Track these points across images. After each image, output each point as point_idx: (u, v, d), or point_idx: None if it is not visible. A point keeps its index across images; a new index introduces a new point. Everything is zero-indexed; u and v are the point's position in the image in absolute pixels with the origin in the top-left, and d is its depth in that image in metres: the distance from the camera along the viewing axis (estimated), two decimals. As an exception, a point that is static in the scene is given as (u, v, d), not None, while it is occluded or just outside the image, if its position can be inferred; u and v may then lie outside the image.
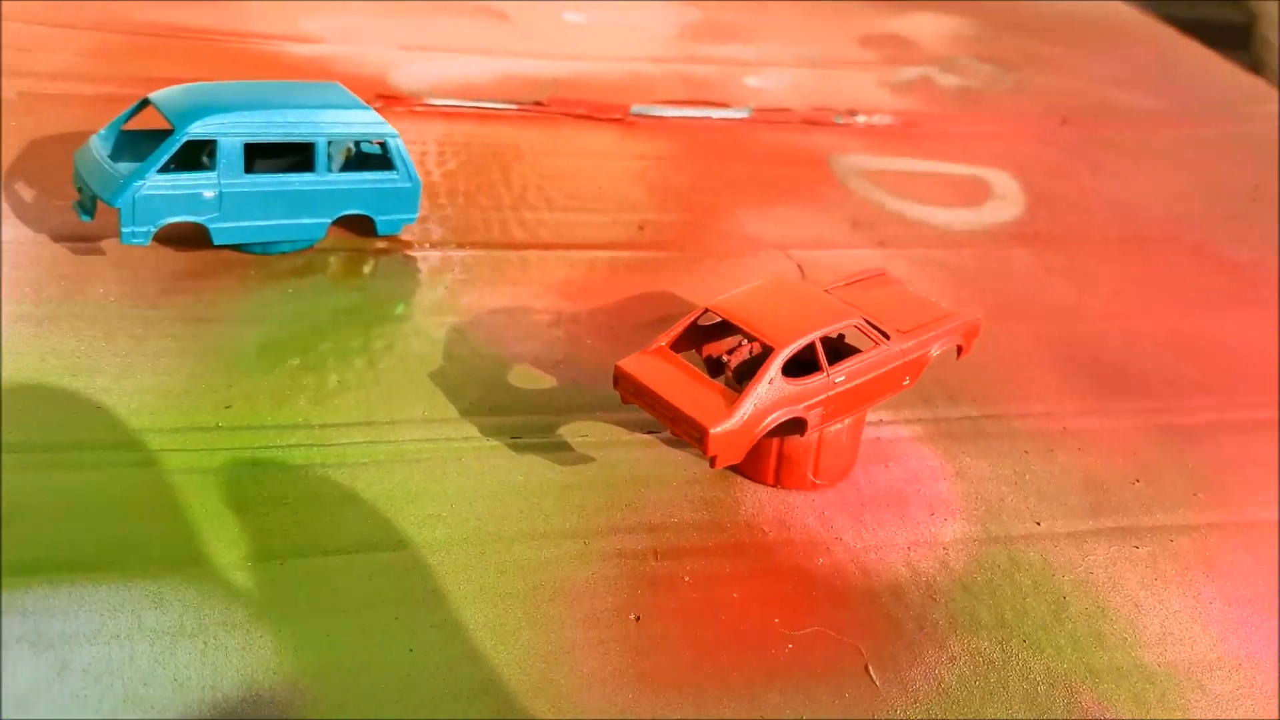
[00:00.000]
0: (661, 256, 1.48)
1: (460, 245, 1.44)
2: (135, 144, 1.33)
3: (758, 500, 1.08)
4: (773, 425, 1.00)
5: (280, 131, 1.29)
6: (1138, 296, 1.53)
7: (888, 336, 1.09)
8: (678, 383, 1.02)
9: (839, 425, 1.07)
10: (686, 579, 0.99)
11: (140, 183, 1.23)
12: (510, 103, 1.85)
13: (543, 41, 2.17)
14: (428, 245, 1.43)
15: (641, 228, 1.55)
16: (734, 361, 1.10)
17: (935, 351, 1.13)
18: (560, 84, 1.95)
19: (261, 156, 1.35)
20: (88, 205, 1.28)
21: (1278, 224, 1.78)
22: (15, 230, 1.33)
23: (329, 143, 1.33)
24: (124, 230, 1.25)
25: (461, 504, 1.03)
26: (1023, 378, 1.32)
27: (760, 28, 2.41)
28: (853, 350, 1.09)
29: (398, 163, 1.37)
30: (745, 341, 1.10)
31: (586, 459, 1.10)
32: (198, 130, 1.25)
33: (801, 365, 1.03)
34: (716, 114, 1.94)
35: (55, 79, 1.70)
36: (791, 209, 1.64)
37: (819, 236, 1.58)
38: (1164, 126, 2.13)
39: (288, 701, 0.84)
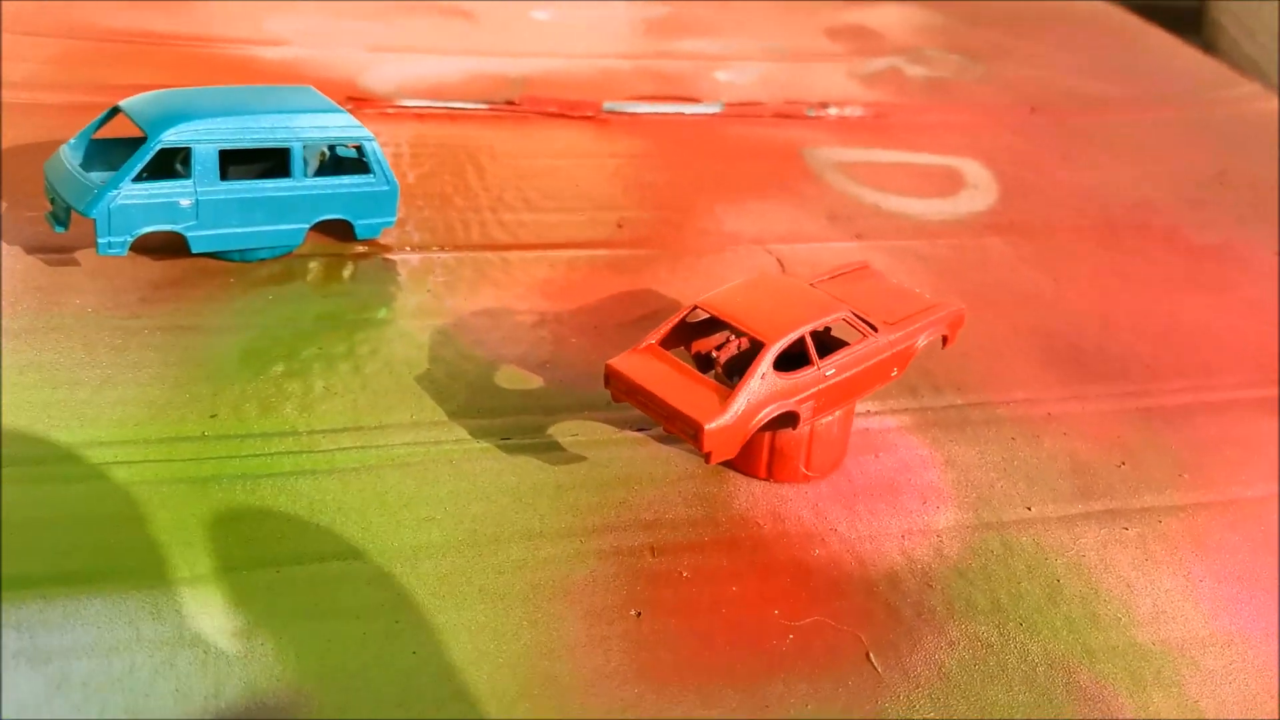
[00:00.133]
0: (641, 254, 1.48)
1: (441, 247, 1.43)
2: (107, 153, 1.31)
3: (751, 494, 1.08)
4: (766, 420, 1.00)
5: (255, 137, 1.28)
6: (1112, 282, 1.55)
7: (875, 329, 1.09)
8: (670, 380, 1.02)
9: (830, 418, 1.07)
10: (684, 574, 0.99)
11: (115, 192, 1.22)
12: (482, 102, 1.84)
13: (511, 40, 2.16)
14: (408, 248, 1.42)
15: (620, 225, 1.54)
16: (723, 357, 1.10)
17: (922, 342, 1.14)
18: (530, 82, 1.95)
19: (235, 163, 1.33)
20: (61, 216, 1.26)
21: (1241, 207, 1.80)
22: (-13, 243, 1.32)
23: (304, 147, 1.32)
24: (100, 241, 1.23)
25: (455, 507, 1.03)
26: (1004, 365, 1.33)
27: (726, 22, 2.41)
28: (840, 343, 1.09)
29: (374, 166, 1.36)
30: (733, 337, 1.10)
31: (578, 458, 1.10)
32: (171, 138, 1.24)
33: (791, 359, 1.03)
34: (689, 109, 1.94)
35: (21, 87, 1.67)
36: (768, 203, 1.65)
37: (797, 230, 1.58)
38: (1130, 113, 2.16)
39: (292, 707, 0.83)
